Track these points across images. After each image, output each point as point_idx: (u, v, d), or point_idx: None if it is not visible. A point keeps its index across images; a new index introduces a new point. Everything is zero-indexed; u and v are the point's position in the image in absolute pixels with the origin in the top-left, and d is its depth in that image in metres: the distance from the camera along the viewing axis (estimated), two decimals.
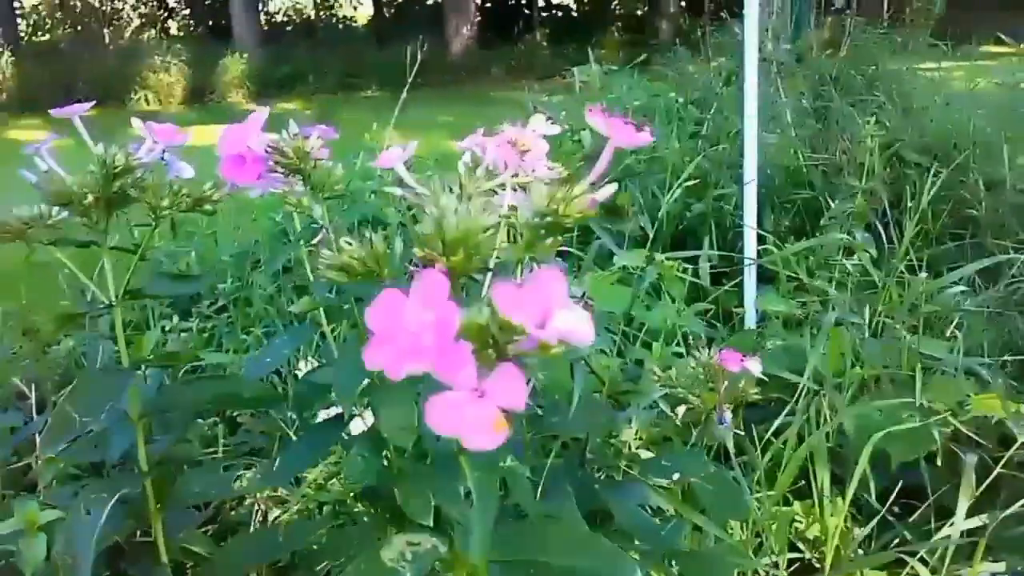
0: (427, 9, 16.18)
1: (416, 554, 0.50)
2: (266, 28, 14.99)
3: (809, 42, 4.98)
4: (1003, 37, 3.43)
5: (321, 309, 0.64)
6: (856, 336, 1.13)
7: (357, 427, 1.18)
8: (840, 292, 1.40)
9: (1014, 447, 0.90)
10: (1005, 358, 1.17)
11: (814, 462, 0.92)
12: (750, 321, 1.76)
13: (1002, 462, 0.89)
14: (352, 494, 0.56)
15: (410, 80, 3.07)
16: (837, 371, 1.03)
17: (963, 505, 0.86)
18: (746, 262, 1.83)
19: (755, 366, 0.70)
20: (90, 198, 0.62)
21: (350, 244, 0.43)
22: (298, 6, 16.91)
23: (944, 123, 2.76)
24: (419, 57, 3.43)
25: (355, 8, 17.09)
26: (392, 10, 16.74)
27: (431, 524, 0.53)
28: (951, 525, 0.87)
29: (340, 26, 16.39)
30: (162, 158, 0.67)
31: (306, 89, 11.67)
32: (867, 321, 1.19)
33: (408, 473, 0.56)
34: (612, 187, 0.44)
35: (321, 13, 16.57)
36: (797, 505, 0.98)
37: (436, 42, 10.67)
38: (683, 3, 15.28)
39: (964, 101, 3.10)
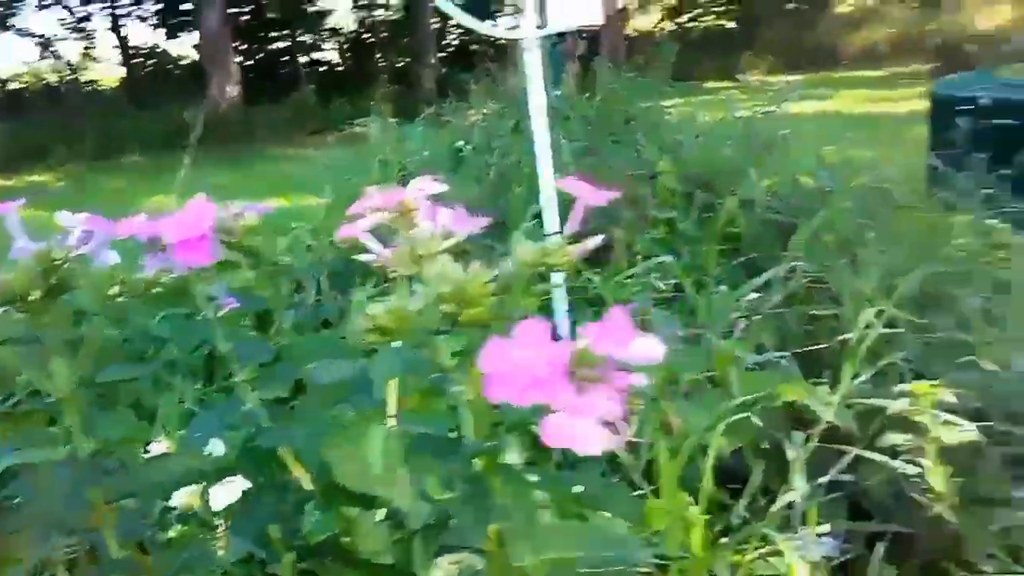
0: (184, 69, 15.54)
1: (462, 571, 0.54)
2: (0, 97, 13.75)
3: (569, 87, 5.38)
4: (740, 78, 3.91)
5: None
6: (677, 347, 1.28)
7: (221, 501, 1.13)
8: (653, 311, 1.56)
9: (820, 426, 1.07)
10: (796, 350, 1.37)
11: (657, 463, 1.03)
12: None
13: (817, 438, 1.05)
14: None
15: (196, 142, 3.00)
16: (670, 380, 1.16)
17: (800, 478, 1.01)
18: (554, 286, 1.95)
19: (642, 380, 0.78)
20: (37, 294, 0.59)
21: (376, 309, 0.48)
22: (35, 71, 15.63)
23: (698, 154, 3.12)
24: (201, 119, 3.35)
25: (121, 63, 15.95)
26: (145, 70, 15.90)
27: (392, 563, 0.57)
28: (784, 496, 1.01)
29: (85, 91, 15.33)
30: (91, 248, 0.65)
31: (57, 159, 10.80)
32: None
33: (359, 519, 0.60)
34: (598, 238, 0.52)
35: (63, 78, 15.42)
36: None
37: (199, 102, 10.29)
38: (440, 55, 15.84)
39: (710, 133, 3.52)
